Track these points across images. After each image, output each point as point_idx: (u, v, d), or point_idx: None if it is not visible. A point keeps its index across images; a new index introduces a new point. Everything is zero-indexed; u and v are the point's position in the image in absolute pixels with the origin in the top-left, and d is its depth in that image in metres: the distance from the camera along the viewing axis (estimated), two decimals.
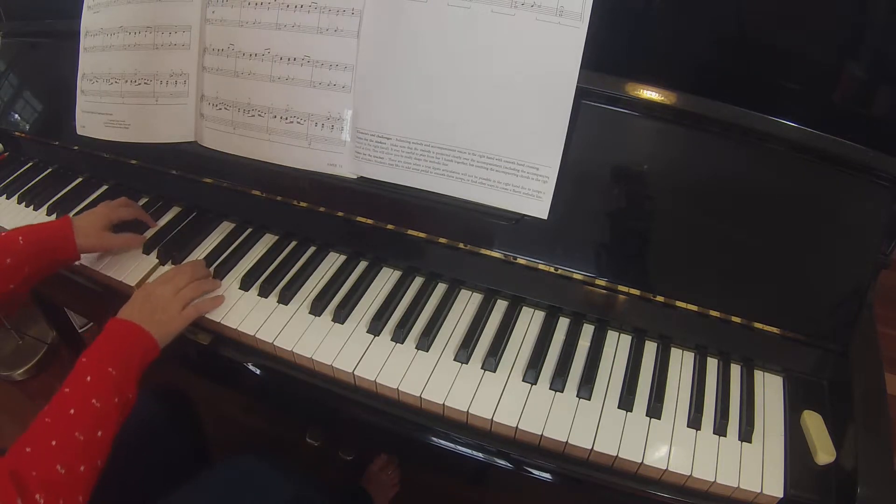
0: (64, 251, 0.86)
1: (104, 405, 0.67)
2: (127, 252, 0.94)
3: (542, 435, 0.71)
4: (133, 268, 0.92)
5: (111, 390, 0.68)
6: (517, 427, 0.72)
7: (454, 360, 0.78)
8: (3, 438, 1.51)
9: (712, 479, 0.68)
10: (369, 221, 0.88)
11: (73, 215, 1.02)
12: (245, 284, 0.87)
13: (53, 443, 0.62)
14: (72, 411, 0.65)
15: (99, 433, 0.65)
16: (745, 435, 0.72)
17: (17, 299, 0.83)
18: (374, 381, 0.76)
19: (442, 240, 0.85)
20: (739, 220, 0.76)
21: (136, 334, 0.75)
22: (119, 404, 0.69)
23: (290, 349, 0.79)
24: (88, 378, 0.68)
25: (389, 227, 0.87)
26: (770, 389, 0.78)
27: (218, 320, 0.83)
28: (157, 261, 0.93)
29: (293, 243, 0.95)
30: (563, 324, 0.83)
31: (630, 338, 0.82)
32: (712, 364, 0.80)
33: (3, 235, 0.82)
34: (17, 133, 1.16)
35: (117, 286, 0.91)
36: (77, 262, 0.91)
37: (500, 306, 0.85)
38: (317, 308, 0.84)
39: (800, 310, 0.76)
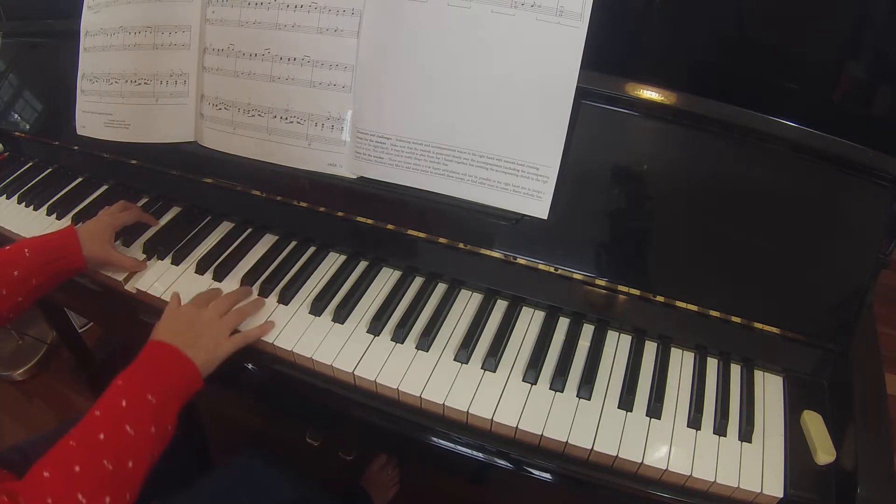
0: (70, 261, 0.85)
1: (139, 433, 0.61)
2: (128, 251, 0.94)
3: (542, 435, 0.71)
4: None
5: (148, 418, 0.62)
6: (517, 427, 0.72)
7: (454, 360, 0.78)
8: (3, 438, 1.51)
9: (712, 479, 0.68)
10: (369, 221, 0.88)
11: (74, 215, 1.03)
12: (245, 284, 0.87)
13: (77, 468, 0.56)
14: (101, 436, 0.59)
15: (130, 464, 0.59)
16: (745, 435, 0.72)
17: (20, 313, 0.82)
18: (374, 381, 0.76)
19: (442, 240, 0.85)
20: (739, 221, 0.76)
21: (181, 361, 0.69)
22: (156, 436, 0.62)
23: (290, 349, 0.79)
24: (124, 403, 0.62)
25: (389, 227, 0.87)
26: (770, 389, 0.78)
27: None
28: (158, 261, 0.93)
29: (293, 243, 0.95)
30: (563, 324, 0.83)
31: (630, 338, 0.82)
32: (712, 364, 0.80)
33: (8, 249, 0.81)
34: (17, 133, 1.16)
35: (118, 286, 0.91)
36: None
37: (500, 306, 0.85)
38: (317, 308, 0.84)
39: (800, 310, 0.76)
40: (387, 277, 0.90)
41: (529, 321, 0.84)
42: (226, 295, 0.81)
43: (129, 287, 0.90)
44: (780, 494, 0.68)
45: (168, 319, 0.75)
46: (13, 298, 0.78)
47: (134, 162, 1.02)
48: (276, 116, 0.87)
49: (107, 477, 0.57)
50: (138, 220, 0.97)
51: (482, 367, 0.77)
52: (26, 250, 0.81)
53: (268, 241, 0.96)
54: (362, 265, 0.91)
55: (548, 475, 0.74)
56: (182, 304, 0.79)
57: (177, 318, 0.75)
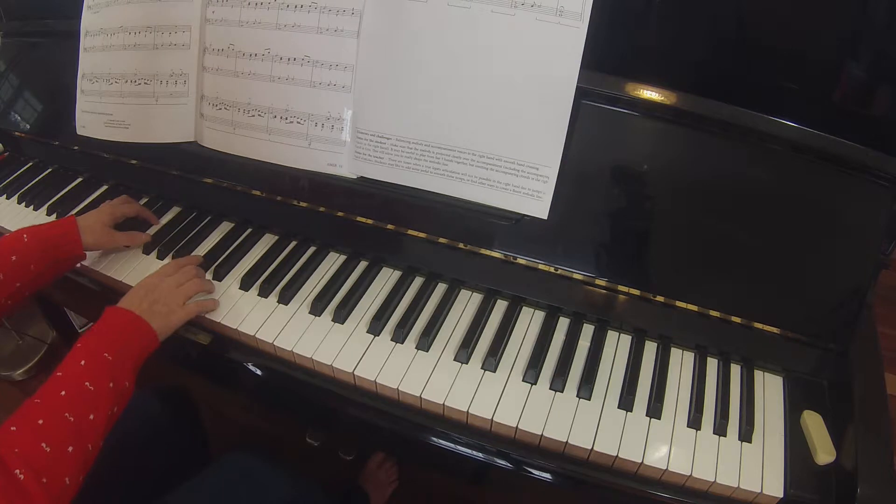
0: (70, 249, 0.86)
1: (98, 389, 0.66)
2: (128, 251, 0.94)
3: (542, 435, 0.71)
4: (133, 268, 0.92)
5: (105, 375, 0.67)
6: (517, 427, 0.72)
7: (454, 360, 0.78)
8: None
9: (712, 479, 0.68)
10: (369, 221, 0.88)
11: (74, 215, 1.03)
12: (245, 284, 0.87)
13: (40, 422, 0.61)
14: (63, 393, 0.64)
15: (91, 416, 0.64)
16: (745, 435, 0.72)
17: (20, 301, 0.83)
18: (374, 381, 0.76)
19: (442, 240, 0.85)
20: (739, 220, 0.76)
21: (135, 324, 0.74)
22: (114, 391, 0.67)
23: (290, 349, 0.79)
24: (82, 362, 0.67)
25: (389, 227, 0.87)
26: (770, 389, 0.78)
27: (218, 320, 0.83)
28: (158, 261, 0.93)
29: (293, 243, 0.95)
30: (563, 324, 0.83)
31: (630, 338, 0.82)
32: (712, 364, 0.80)
33: (7, 235, 0.82)
34: (17, 133, 1.16)
35: (117, 286, 0.91)
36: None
37: (500, 306, 0.85)
38: (317, 308, 0.84)
39: (800, 310, 0.76)
40: (387, 277, 0.90)
41: (529, 321, 0.84)
42: (183, 269, 0.85)
43: (124, 280, 0.90)
44: (780, 494, 0.68)
45: (131, 290, 0.80)
46: (12, 284, 0.79)
47: (134, 162, 1.02)
48: (276, 116, 0.87)
49: (69, 429, 0.62)
50: (138, 215, 0.97)
51: (482, 367, 0.77)
52: (25, 236, 0.82)
53: (268, 241, 0.96)
54: (362, 265, 0.91)
55: (548, 475, 0.74)
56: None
57: (136, 288, 0.80)
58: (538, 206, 0.79)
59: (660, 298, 0.78)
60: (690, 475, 0.69)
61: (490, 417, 0.72)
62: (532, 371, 0.76)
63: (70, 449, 0.61)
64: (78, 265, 0.91)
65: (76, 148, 1.06)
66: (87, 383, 0.66)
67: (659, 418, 0.73)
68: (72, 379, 0.66)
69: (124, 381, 0.70)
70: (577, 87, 0.74)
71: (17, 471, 0.56)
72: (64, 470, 0.60)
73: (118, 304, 0.77)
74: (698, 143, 0.77)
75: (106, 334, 0.72)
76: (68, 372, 0.67)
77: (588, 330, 0.83)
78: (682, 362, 0.80)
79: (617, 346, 0.82)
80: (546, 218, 0.79)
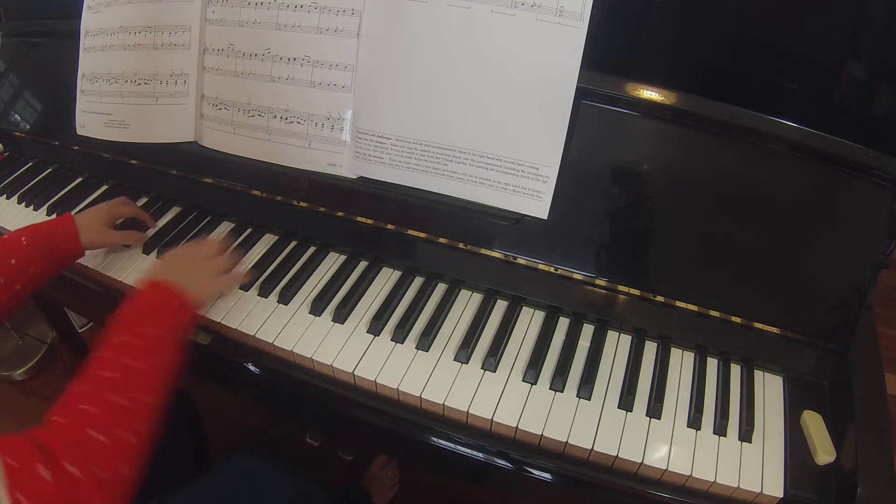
0: (68, 248, 0.86)
1: (145, 365, 0.62)
2: (128, 251, 0.94)
3: (542, 435, 0.71)
4: (133, 268, 0.92)
5: (153, 349, 0.63)
6: (517, 427, 0.72)
7: (454, 360, 0.78)
8: None
9: (712, 479, 0.68)
10: (369, 221, 0.88)
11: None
12: (245, 285, 0.87)
13: (83, 406, 0.57)
14: (106, 374, 0.60)
15: (140, 396, 0.59)
16: (745, 435, 0.72)
17: (20, 302, 0.83)
18: (374, 381, 0.76)
19: (442, 240, 0.85)
20: (739, 220, 0.76)
21: (176, 293, 0.71)
22: (162, 366, 0.63)
23: (289, 349, 0.79)
24: (126, 338, 0.63)
25: (389, 227, 0.87)
26: (770, 389, 0.78)
27: (218, 320, 0.83)
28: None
29: (293, 243, 0.95)
30: (563, 324, 0.83)
31: (630, 338, 0.82)
32: (712, 364, 0.80)
33: (5, 238, 0.81)
34: (17, 133, 1.16)
35: (117, 286, 0.91)
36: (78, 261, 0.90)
37: (500, 306, 0.85)
38: (317, 308, 0.84)
39: (800, 310, 0.76)
40: (387, 277, 0.90)
41: (529, 321, 0.84)
42: (207, 242, 0.84)
43: (124, 280, 0.90)
44: (780, 494, 0.68)
45: (163, 262, 0.80)
46: (11, 287, 0.78)
47: (134, 162, 1.02)
48: (276, 116, 0.87)
49: (117, 411, 0.57)
50: (136, 216, 0.97)
51: (482, 367, 0.77)
52: (23, 238, 0.81)
53: (268, 241, 0.96)
54: (362, 265, 0.91)
55: (548, 475, 0.74)
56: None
57: (172, 259, 0.80)
58: (538, 206, 0.79)
59: (660, 298, 0.78)
60: (690, 475, 0.69)
61: (490, 417, 0.72)
62: (532, 371, 0.76)
63: (119, 433, 0.57)
64: (77, 264, 0.91)
65: (76, 148, 1.06)
66: (130, 360, 0.61)
67: (659, 418, 0.73)
68: (114, 358, 0.61)
69: (173, 353, 0.66)
70: (577, 87, 0.74)
71: (66, 463, 0.52)
72: (115, 456, 0.56)
73: (152, 275, 0.74)
74: (698, 143, 0.76)
75: (147, 306, 0.68)
76: (110, 350, 0.62)
77: (588, 330, 0.83)
78: (682, 362, 0.80)
79: (617, 346, 0.82)
80: (546, 218, 0.79)
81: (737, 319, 0.77)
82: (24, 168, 1.16)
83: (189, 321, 0.72)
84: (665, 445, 0.71)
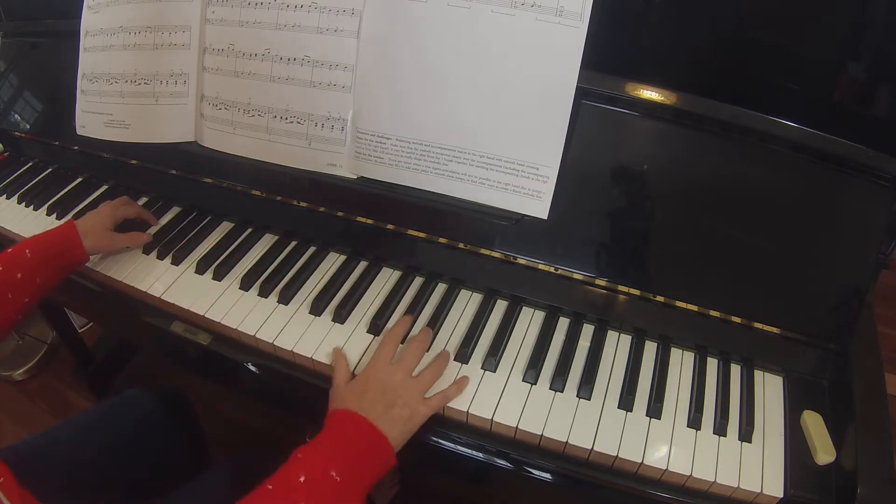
0: (72, 255, 0.86)
1: None
2: (129, 251, 0.94)
3: (542, 435, 0.71)
4: (133, 268, 0.92)
5: (330, 498, 0.55)
6: (517, 427, 0.72)
7: (454, 360, 0.78)
8: (4, 438, 1.51)
9: (712, 479, 0.68)
10: (369, 221, 0.88)
11: (74, 215, 1.03)
12: (245, 284, 0.87)
13: None
14: None
15: None
16: (745, 435, 0.72)
17: (28, 312, 0.82)
18: None
19: (442, 240, 0.85)
20: (739, 220, 0.76)
21: (370, 435, 0.61)
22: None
23: (289, 349, 0.79)
24: (302, 478, 0.55)
25: (389, 227, 0.87)
26: (770, 389, 0.78)
27: (218, 320, 0.83)
28: (158, 260, 0.93)
29: (293, 243, 0.94)
30: (563, 324, 0.83)
31: (630, 338, 0.82)
32: (712, 364, 0.80)
33: (9, 251, 0.81)
34: (17, 133, 1.16)
35: (118, 286, 0.91)
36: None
37: (500, 306, 0.85)
38: (317, 308, 0.84)
39: (800, 310, 0.76)
40: (387, 277, 0.89)
41: (529, 321, 0.84)
42: (414, 345, 0.72)
43: (124, 280, 0.90)
44: (780, 494, 0.68)
45: (356, 383, 0.66)
46: (20, 300, 0.78)
47: (134, 162, 1.02)
48: (276, 116, 0.87)
49: None
50: (138, 216, 0.97)
51: (482, 367, 0.77)
52: (27, 251, 0.81)
53: (268, 240, 0.96)
54: (362, 265, 0.91)
55: (548, 475, 0.74)
56: (345, 360, 0.71)
57: (367, 383, 0.65)
58: (538, 206, 0.79)
59: (660, 298, 0.78)
60: (690, 475, 0.69)
61: (490, 417, 0.72)
62: (532, 371, 0.76)
63: None
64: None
65: (76, 148, 1.06)
66: None
67: (659, 418, 0.73)
68: (286, 498, 0.54)
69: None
70: (577, 87, 0.74)
71: None
72: None
73: (340, 402, 0.64)
74: (698, 143, 0.77)
75: (334, 445, 0.59)
76: (282, 488, 0.55)
77: (588, 330, 0.83)
78: (682, 362, 0.80)
79: (617, 346, 0.82)
80: (546, 218, 0.79)
81: (737, 319, 0.77)
82: (25, 168, 1.17)
83: (384, 468, 0.63)
84: (665, 445, 0.71)
